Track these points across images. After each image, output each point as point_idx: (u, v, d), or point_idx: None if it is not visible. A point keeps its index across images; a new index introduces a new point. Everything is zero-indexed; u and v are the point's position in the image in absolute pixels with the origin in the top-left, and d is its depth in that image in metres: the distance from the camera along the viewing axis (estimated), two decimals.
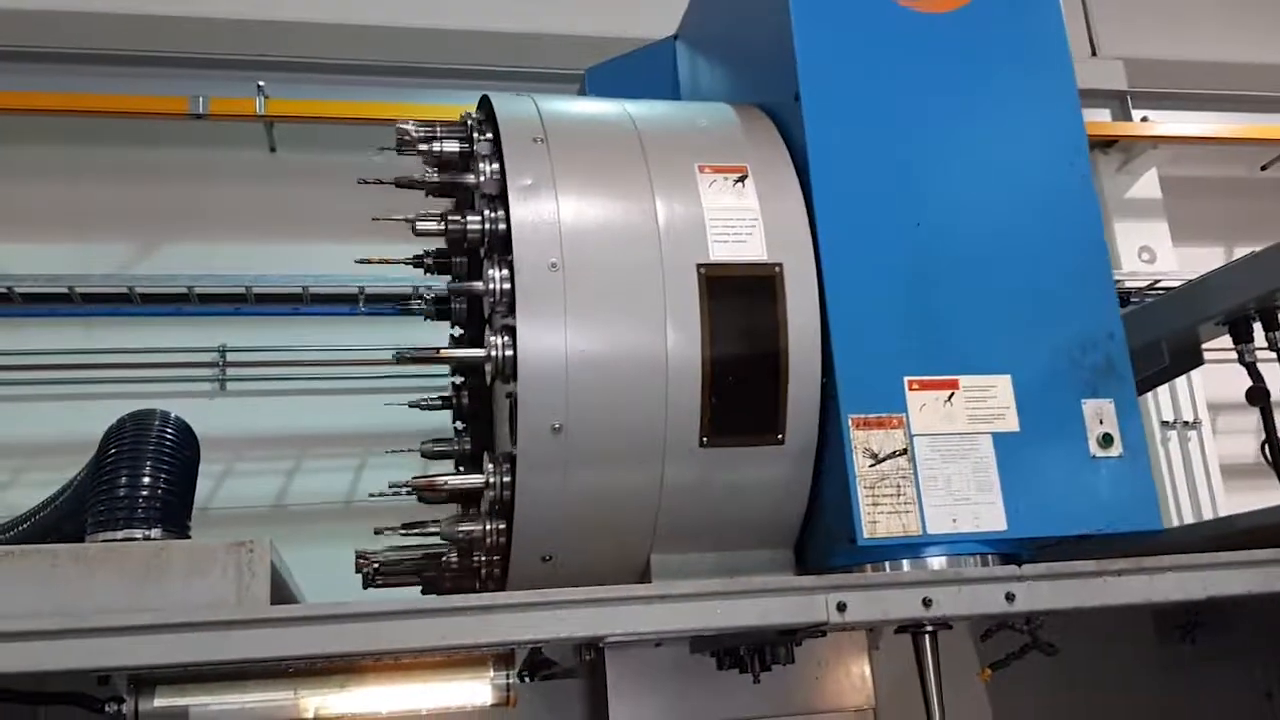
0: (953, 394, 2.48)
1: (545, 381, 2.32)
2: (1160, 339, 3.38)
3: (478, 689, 1.94)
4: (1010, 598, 2.15)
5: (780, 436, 2.46)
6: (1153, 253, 8.43)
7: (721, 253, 2.46)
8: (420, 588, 2.55)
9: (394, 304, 6.31)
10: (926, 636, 2.54)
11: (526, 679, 3.55)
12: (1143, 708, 4.39)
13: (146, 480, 2.37)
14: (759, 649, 2.85)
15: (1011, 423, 2.49)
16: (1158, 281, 7.90)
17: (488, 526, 2.45)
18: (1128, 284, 7.88)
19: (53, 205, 7.16)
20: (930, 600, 2.12)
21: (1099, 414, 2.53)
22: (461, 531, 2.43)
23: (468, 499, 2.70)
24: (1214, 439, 8.21)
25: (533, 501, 2.37)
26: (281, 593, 2.09)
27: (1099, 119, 8.54)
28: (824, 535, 2.51)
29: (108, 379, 6.92)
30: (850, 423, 2.42)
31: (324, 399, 6.88)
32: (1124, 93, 8.64)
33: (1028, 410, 2.50)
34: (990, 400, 2.50)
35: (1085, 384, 2.55)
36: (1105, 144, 8.64)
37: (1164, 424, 8.24)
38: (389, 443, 3.64)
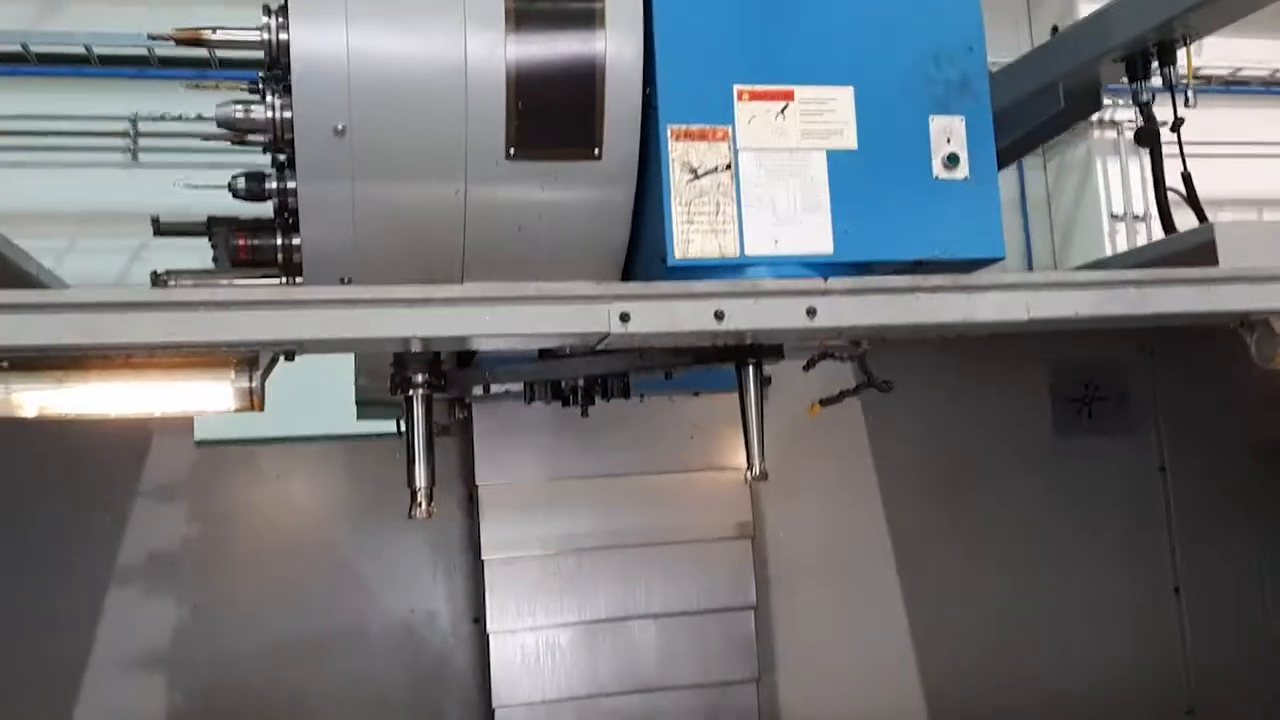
0: (787, 106, 2.26)
1: (322, 74, 2.09)
2: (1056, 79, 3.14)
3: (218, 391, 1.78)
4: (811, 312, 1.99)
5: (597, 151, 2.25)
6: None
7: None
8: None
9: None
10: (750, 367, 2.41)
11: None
12: (1037, 479, 4.36)
13: None
14: (586, 386, 2.72)
15: (849, 140, 2.28)
16: None
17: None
18: None
19: None
20: (722, 313, 1.96)
21: (947, 132, 2.32)
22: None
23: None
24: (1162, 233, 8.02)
25: (319, 214, 2.18)
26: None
27: None
28: (644, 263, 2.34)
29: (12, 146, 6.64)
30: (669, 133, 2.21)
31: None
32: None
33: (869, 127, 2.29)
34: (828, 114, 2.28)
35: (935, 100, 2.32)
36: None
37: (1113, 217, 8.06)
38: None
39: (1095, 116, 8.28)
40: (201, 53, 6.36)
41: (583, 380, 2.75)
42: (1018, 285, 2.09)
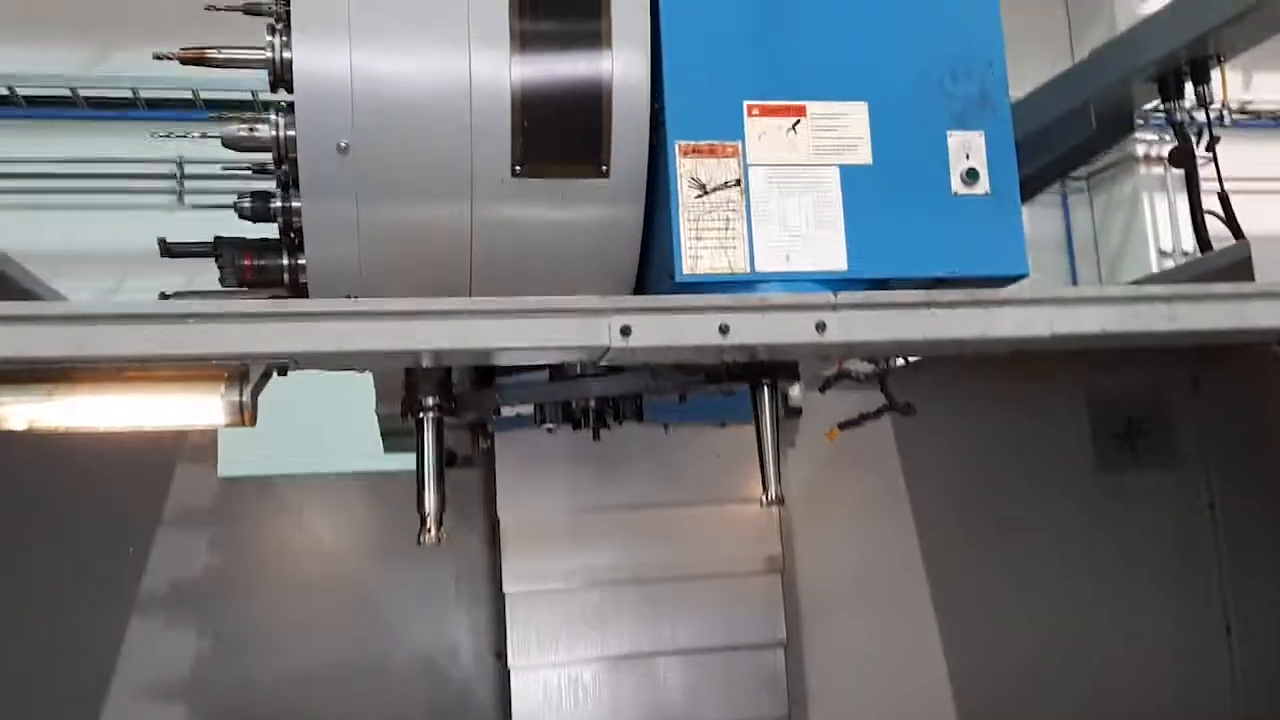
0: (798, 121, 2.22)
1: (325, 92, 2.08)
2: (1087, 101, 3.07)
3: (208, 405, 1.76)
4: (821, 327, 1.93)
5: (604, 168, 2.21)
6: None
7: None
8: None
9: None
10: (765, 388, 2.34)
11: None
12: (1079, 514, 4.22)
13: None
14: (599, 408, 2.67)
15: (864, 155, 2.23)
16: None
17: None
18: None
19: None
20: (728, 327, 1.90)
21: (966, 147, 2.26)
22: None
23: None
24: None
25: (323, 233, 2.16)
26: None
27: None
28: (653, 281, 2.29)
29: (57, 189, 6.76)
30: (677, 149, 2.17)
31: None
32: None
33: (884, 142, 2.23)
34: (841, 130, 2.23)
35: (953, 115, 2.26)
36: None
37: (1161, 253, 7.91)
38: None
39: (1142, 152, 8.19)
40: (246, 94, 6.46)
41: (594, 402, 2.70)
42: (1040, 300, 2.01)
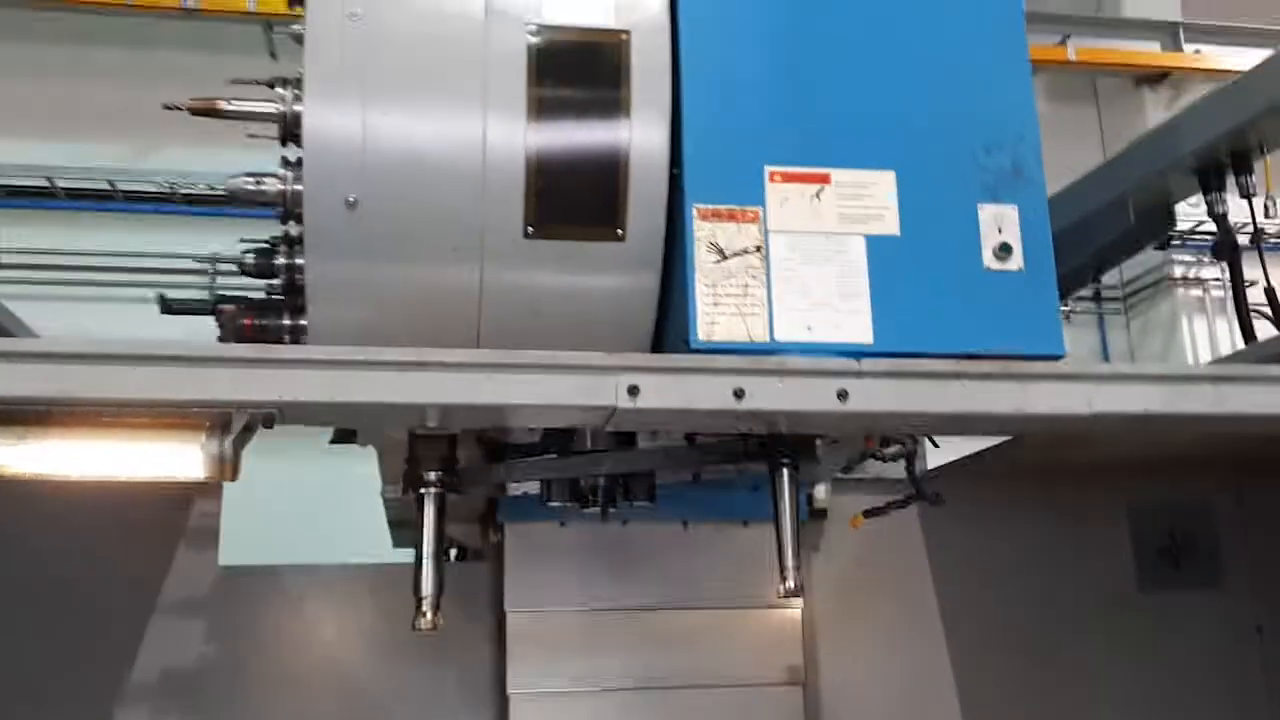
0: (822, 189, 2.14)
1: (335, 146, 2.02)
2: (1126, 195, 2.98)
3: (187, 456, 1.65)
4: (843, 395, 1.81)
5: (620, 232, 2.14)
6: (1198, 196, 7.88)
7: (557, 12, 2.13)
8: None
9: None
10: (785, 470, 2.21)
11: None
12: (1120, 635, 3.99)
13: None
14: (608, 486, 2.54)
15: (890, 225, 2.14)
16: (1201, 223, 7.45)
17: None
18: None
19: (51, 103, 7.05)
20: (743, 391, 1.78)
21: (999, 221, 2.16)
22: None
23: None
24: None
25: (327, 291, 2.08)
26: None
27: (1148, 49, 8.02)
28: (669, 350, 2.19)
29: (94, 281, 6.81)
30: (695, 212, 2.09)
31: None
32: (1176, 24, 8.09)
33: (912, 213, 2.15)
34: (867, 199, 2.15)
35: (985, 188, 2.18)
36: (1154, 78, 8.12)
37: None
38: None
39: (1180, 274, 8.09)
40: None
41: (604, 480, 2.56)
42: (1079, 376, 1.89)
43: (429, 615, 2.33)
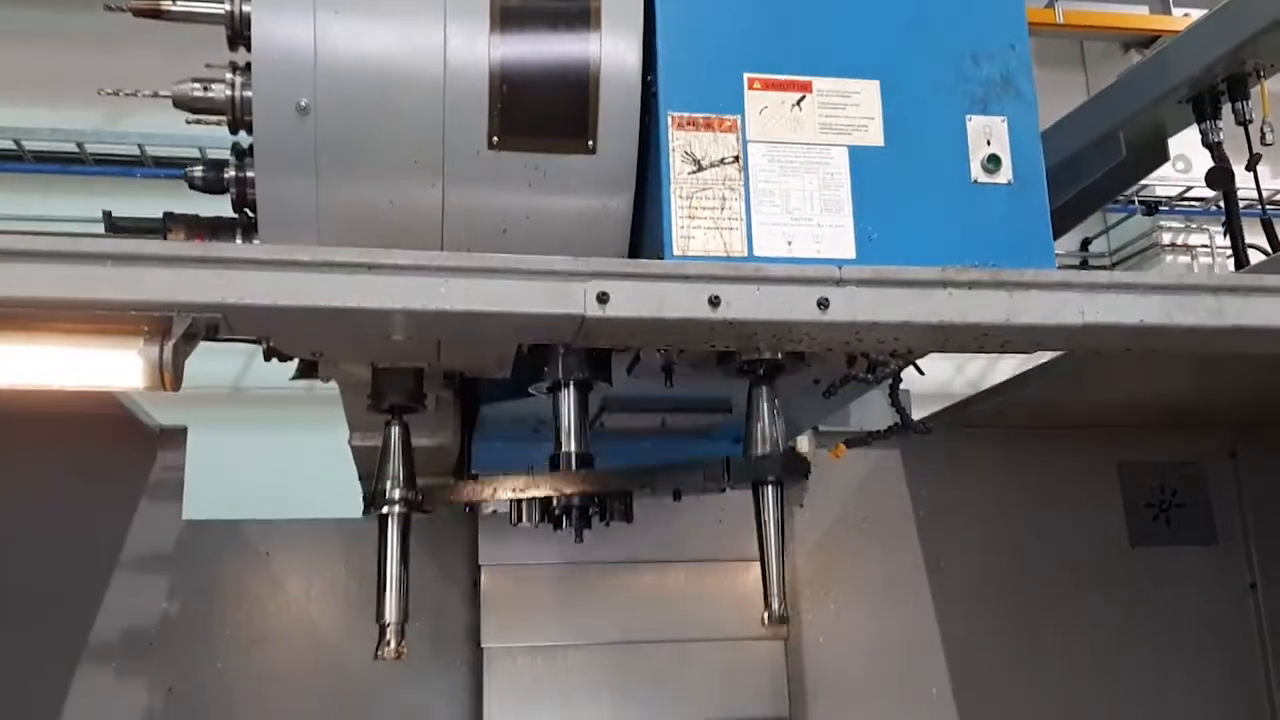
0: (804, 97, 2.03)
1: (285, 47, 1.90)
2: (1117, 127, 2.88)
3: (124, 362, 1.54)
4: (823, 304, 1.70)
5: (590, 144, 2.02)
6: (1188, 161, 7.80)
7: None
8: None
9: None
10: (769, 488, 2.10)
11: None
12: (1111, 593, 3.91)
13: None
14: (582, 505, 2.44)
15: (874, 136, 2.03)
16: (1190, 189, 7.40)
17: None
18: (1158, 190, 7.42)
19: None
20: (718, 299, 1.68)
21: (987, 133, 2.06)
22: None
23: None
24: None
25: (279, 206, 1.96)
26: None
27: (1137, 13, 7.92)
28: None
29: None
30: (670, 121, 1.98)
31: None
32: None
33: (897, 123, 2.04)
34: (850, 108, 2.04)
35: (974, 99, 2.08)
36: (1143, 42, 8.01)
37: None
38: None
39: (1168, 240, 8.01)
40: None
41: (577, 499, 2.44)
42: (1071, 284, 1.79)
43: (393, 644, 2.22)
